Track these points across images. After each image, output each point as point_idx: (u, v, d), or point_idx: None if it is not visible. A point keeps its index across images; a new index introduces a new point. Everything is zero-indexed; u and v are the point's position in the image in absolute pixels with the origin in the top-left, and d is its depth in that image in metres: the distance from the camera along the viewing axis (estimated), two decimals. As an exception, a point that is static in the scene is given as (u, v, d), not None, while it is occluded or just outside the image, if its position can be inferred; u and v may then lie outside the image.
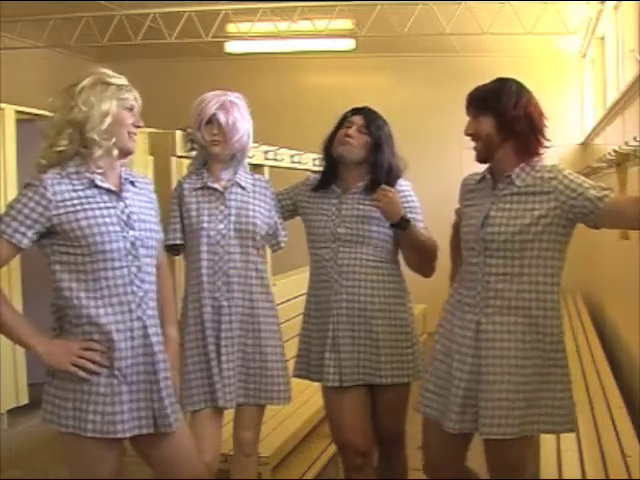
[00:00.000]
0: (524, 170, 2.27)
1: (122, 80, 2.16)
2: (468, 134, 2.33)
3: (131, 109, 2.15)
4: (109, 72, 2.15)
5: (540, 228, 2.21)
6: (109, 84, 2.11)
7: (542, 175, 2.25)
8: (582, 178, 2.23)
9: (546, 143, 2.29)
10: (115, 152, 2.12)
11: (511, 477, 2.30)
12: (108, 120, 2.08)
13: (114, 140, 2.10)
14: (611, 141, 5.11)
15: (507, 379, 2.23)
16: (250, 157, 3.05)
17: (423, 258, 2.71)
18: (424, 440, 2.47)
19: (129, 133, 2.14)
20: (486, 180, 2.37)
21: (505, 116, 2.25)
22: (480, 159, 2.33)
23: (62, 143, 2.08)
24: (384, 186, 2.60)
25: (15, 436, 4.36)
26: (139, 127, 2.18)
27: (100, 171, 2.10)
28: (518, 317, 2.24)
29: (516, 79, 2.34)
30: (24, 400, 4.44)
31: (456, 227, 2.62)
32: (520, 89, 2.30)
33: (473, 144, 2.35)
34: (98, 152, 2.09)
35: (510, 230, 2.23)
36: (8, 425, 4.45)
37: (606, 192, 2.15)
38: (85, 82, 2.09)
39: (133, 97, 2.16)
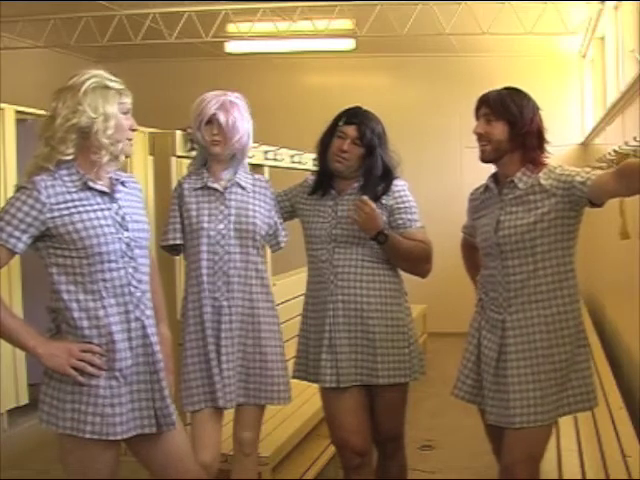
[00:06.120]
0: (525, 174, 2.39)
1: (119, 83, 2.13)
2: (477, 133, 2.41)
3: (127, 112, 2.13)
4: (106, 74, 2.12)
5: (546, 224, 2.33)
6: (109, 88, 2.09)
7: (539, 177, 2.37)
8: (570, 169, 2.35)
9: (546, 155, 2.42)
10: (122, 157, 2.11)
11: (530, 465, 2.39)
12: (112, 125, 2.06)
13: (120, 145, 2.09)
14: (611, 141, 5.10)
15: (536, 370, 2.34)
16: (250, 157, 3.04)
17: (411, 264, 2.73)
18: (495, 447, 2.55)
19: (127, 138, 2.13)
20: (490, 189, 2.48)
21: (521, 128, 2.36)
22: (485, 159, 2.43)
23: (69, 152, 2.05)
24: (363, 198, 2.57)
25: (15, 436, 4.35)
26: (134, 130, 2.16)
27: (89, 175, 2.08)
28: (539, 310, 2.37)
29: (522, 89, 2.44)
30: (24, 400, 4.42)
31: (465, 246, 2.73)
32: (535, 104, 2.42)
33: (476, 143, 2.43)
34: (106, 158, 2.08)
35: (519, 230, 2.35)
36: (8, 425, 4.44)
37: (588, 175, 2.27)
38: (87, 85, 2.06)
39: (129, 100, 2.14)
